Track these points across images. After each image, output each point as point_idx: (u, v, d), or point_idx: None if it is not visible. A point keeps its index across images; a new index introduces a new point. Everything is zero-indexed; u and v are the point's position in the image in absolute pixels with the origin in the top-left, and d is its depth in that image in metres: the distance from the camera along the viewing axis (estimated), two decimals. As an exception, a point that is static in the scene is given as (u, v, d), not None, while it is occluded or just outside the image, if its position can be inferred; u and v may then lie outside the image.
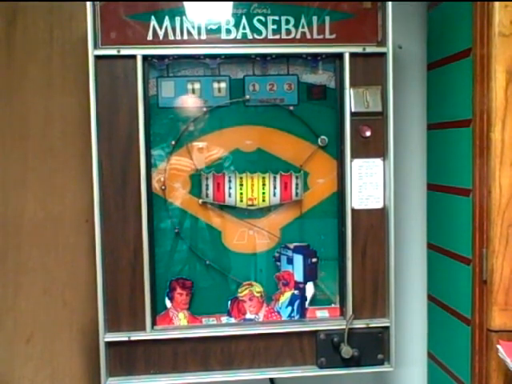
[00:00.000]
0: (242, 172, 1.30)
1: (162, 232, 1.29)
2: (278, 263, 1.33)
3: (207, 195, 1.29)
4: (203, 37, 1.22)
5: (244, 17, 1.22)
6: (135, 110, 1.21)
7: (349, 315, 1.28)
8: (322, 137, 1.30)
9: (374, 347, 1.27)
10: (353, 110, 1.25)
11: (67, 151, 1.42)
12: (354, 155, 1.27)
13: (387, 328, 1.28)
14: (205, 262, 1.30)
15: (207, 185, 1.28)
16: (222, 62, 1.27)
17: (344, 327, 1.26)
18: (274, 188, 1.30)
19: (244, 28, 1.23)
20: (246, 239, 1.31)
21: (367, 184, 1.28)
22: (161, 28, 1.21)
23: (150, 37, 1.21)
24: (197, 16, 1.22)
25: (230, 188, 1.29)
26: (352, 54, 1.25)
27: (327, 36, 1.24)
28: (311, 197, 1.32)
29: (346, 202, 1.28)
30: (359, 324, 1.28)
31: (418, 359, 1.57)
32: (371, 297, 1.28)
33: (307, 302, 1.33)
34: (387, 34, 1.23)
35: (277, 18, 1.23)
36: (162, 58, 1.24)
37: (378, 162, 1.28)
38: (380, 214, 1.28)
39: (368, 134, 1.26)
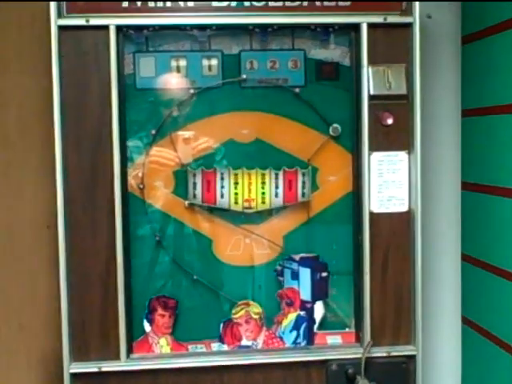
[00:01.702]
0: (238, 168, 1.30)
1: (140, 240, 1.29)
2: (281, 278, 1.34)
3: (195, 196, 1.29)
4: (190, 3, 1.22)
5: (240, -21, 1.22)
6: (107, 92, 1.20)
7: (366, 342, 1.28)
8: (335, 125, 1.31)
9: (396, 380, 1.27)
10: (371, 93, 1.26)
11: (25, 141, 1.43)
12: (372, 147, 1.27)
13: (413, 357, 1.29)
14: (192, 276, 1.31)
15: (195, 183, 1.29)
16: (213, 34, 1.27)
17: (360, 356, 1.26)
18: (276, 187, 1.31)
19: (240, -7, 1.22)
20: (242, 249, 1.32)
21: (389, 182, 1.28)
22: (138, -8, 1.21)
23: (125, 3, 1.21)
24: (182, -22, 1.23)
25: (222, 187, 1.30)
26: (370, 25, 1.25)
27: (341, 3, 1.25)
28: (321, 198, 1.33)
29: (363, 204, 1.28)
30: (379, 352, 1.28)
31: (451, 394, 1.58)
32: (393, 319, 1.29)
33: (316, 326, 1.33)
34: (413, 2, 1.24)
35: (279, -20, 1.23)
36: (139, 28, 1.24)
37: (402, 155, 1.28)
38: (404, 219, 1.29)
39: (390, 121, 1.27)
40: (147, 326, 1.30)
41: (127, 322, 1.24)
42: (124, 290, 1.24)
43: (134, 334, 1.29)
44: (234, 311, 1.32)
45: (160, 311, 1.30)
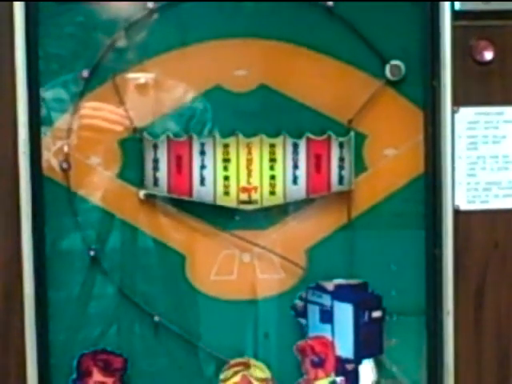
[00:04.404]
0: (229, 134, 1.25)
1: (64, 258, 1.24)
2: (303, 321, 1.29)
3: (156, 181, 1.25)
4: None
5: None
6: (5, 6, 1.16)
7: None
8: (394, 62, 1.27)
9: None
10: (457, 8, 1.24)
11: None
12: (459, 100, 1.24)
13: None
14: (151, 318, 1.26)
15: (156, 160, 1.24)
16: None
17: None
18: (295, 167, 1.27)
19: None
20: (237, 272, 1.27)
21: (487, 159, 1.26)
22: None
23: None
24: None
25: (202, 167, 1.25)
26: None
27: None
28: (371, 186, 1.29)
29: (442, 196, 1.25)
30: None
31: None
32: (494, 389, 1.23)
33: (362, 400, 1.27)
34: None
35: None
36: None
37: (511, 113, 1.25)
38: (513, 222, 1.22)
39: (489, 56, 1.24)
40: (76, 402, 1.22)
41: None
42: (36, 341, 1.19)
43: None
44: (222, 376, 1.27)
45: (98, 376, 1.23)
